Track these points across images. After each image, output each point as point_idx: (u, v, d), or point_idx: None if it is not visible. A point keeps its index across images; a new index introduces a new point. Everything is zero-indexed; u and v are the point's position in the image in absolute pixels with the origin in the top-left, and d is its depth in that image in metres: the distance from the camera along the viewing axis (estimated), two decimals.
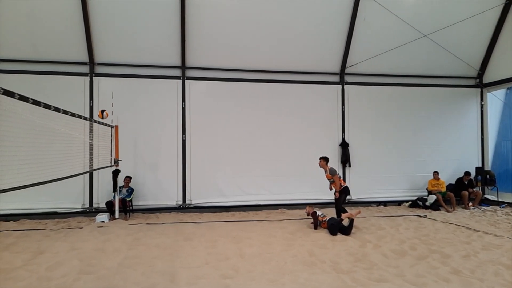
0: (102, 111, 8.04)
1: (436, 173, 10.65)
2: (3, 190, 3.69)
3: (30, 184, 4.24)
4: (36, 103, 4.02)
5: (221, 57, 10.07)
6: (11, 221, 8.51)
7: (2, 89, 3.23)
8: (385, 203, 10.85)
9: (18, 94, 3.59)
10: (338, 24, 10.03)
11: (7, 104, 3.69)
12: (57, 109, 4.67)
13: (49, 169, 5.25)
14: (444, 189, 10.50)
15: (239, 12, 9.40)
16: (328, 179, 8.14)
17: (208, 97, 10.20)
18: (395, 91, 11.20)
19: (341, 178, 8.12)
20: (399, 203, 10.92)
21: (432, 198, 10.13)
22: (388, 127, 11.09)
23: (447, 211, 9.81)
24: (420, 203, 10.36)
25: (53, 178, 5.15)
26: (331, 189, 8.21)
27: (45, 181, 4.78)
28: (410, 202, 10.69)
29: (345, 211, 7.81)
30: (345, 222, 6.96)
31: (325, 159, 8.12)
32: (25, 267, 5.09)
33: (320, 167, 8.20)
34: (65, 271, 4.92)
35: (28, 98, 3.80)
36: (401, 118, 11.19)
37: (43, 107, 4.26)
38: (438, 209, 9.91)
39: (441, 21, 9.94)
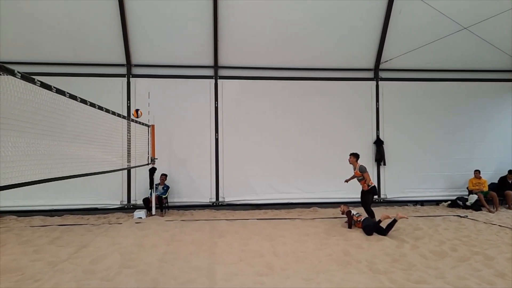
0: (137, 110, 8.28)
1: (477, 172, 10.19)
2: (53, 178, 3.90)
3: (68, 177, 4.45)
4: (83, 101, 4.23)
5: (252, 56, 10.12)
6: (56, 216, 9.01)
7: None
8: (422, 203, 10.51)
9: (68, 93, 3.80)
10: (372, 18, 9.78)
11: (58, 103, 3.92)
12: (100, 108, 4.89)
13: (91, 166, 5.51)
14: (486, 188, 10.04)
15: (270, 10, 9.38)
16: (357, 176, 7.96)
17: (240, 96, 10.29)
18: (432, 86, 10.79)
19: (369, 177, 7.90)
20: (437, 202, 10.55)
21: (473, 198, 9.72)
22: (425, 124, 10.72)
23: (490, 211, 9.36)
24: (460, 203, 9.95)
25: (92, 172, 5.39)
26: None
27: (85, 174, 5.01)
28: (449, 202, 10.29)
29: (373, 213, 7.65)
30: (383, 224, 6.78)
31: (355, 156, 7.96)
32: (70, 260, 5.38)
33: (350, 163, 8.04)
34: (107, 264, 5.16)
35: (77, 96, 4.01)
36: (439, 114, 10.78)
37: (89, 105, 4.47)
38: (480, 209, 9.48)
39: (482, 13, 9.43)
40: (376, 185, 10.30)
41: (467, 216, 8.76)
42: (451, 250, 5.77)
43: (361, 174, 7.75)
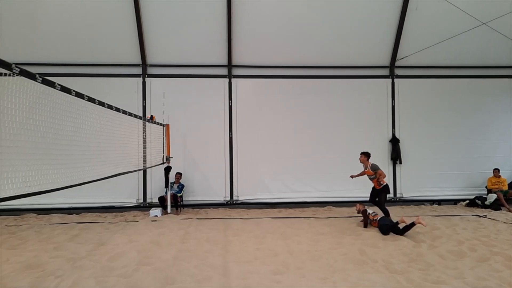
0: (151, 116, 8.29)
1: (496, 170, 9.98)
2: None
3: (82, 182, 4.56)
4: (101, 104, 4.31)
5: (266, 55, 10.11)
6: (74, 214, 9.20)
7: (74, 91, 3.50)
8: (439, 202, 10.33)
9: (87, 96, 3.88)
10: (387, 15, 9.66)
11: (78, 106, 4.01)
12: (117, 109, 4.97)
13: (109, 166, 5.61)
14: (505, 187, 9.83)
15: (283, 9, 9.35)
16: (369, 176, 7.87)
17: (254, 94, 10.30)
18: (450, 83, 10.58)
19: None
20: (454, 202, 10.35)
21: (492, 197, 9.51)
22: (442, 122, 10.53)
23: (509, 210, 9.16)
24: (479, 202, 9.75)
25: (110, 175, 5.49)
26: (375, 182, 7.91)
27: (104, 177, 5.12)
28: (467, 201, 10.09)
29: (388, 212, 7.57)
30: (401, 226, 6.68)
31: (366, 155, 7.86)
32: (89, 257, 5.49)
33: (361, 162, 7.95)
34: (125, 262, 5.25)
35: (95, 99, 4.09)
36: (457, 112, 10.57)
37: (107, 107, 4.55)
38: (499, 209, 9.27)
39: (500, 8, 9.18)
40: (392, 184, 10.25)
41: (486, 215, 8.57)
42: (470, 250, 5.67)
43: (373, 173, 7.66)
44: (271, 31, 9.72)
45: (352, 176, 8.25)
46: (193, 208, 9.81)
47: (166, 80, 10.05)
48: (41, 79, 3.13)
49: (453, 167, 10.49)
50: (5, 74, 2.77)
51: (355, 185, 9.48)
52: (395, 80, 10.49)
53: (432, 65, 10.50)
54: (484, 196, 9.90)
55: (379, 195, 7.77)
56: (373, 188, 7.95)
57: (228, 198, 10.12)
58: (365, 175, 8.03)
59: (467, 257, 5.32)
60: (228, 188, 10.16)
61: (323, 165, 10.25)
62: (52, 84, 3.37)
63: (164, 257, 5.45)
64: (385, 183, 7.72)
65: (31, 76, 3.05)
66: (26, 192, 3.19)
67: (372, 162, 7.77)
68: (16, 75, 2.86)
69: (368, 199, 8.16)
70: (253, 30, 9.70)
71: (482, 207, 9.59)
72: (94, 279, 4.56)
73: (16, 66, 2.79)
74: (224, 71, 10.23)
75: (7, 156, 3.46)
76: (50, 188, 3.64)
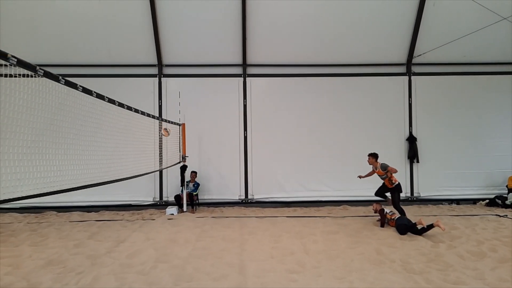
0: (166, 129, 8.22)
1: None
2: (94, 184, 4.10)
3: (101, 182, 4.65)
4: (121, 105, 4.40)
5: (281, 53, 10.09)
6: (93, 212, 9.38)
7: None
8: (458, 202, 10.13)
9: (107, 97, 3.96)
10: (404, 11, 9.51)
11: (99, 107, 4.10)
12: (136, 110, 5.06)
13: (127, 166, 5.72)
14: None
15: (298, 7, 9.30)
16: (380, 176, 7.77)
17: (269, 93, 10.30)
18: (469, 80, 10.35)
19: (392, 174, 7.69)
20: (474, 201, 10.13)
21: None
22: (461, 120, 10.30)
23: None
24: (499, 201, 9.52)
25: (128, 176, 5.59)
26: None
27: (122, 178, 5.21)
28: (487, 201, 9.86)
29: (403, 211, 7.47)
30: (418, 227, 6.58)
31: (373, 156, 7.76)
32: (108, 254, 5.61)
33: (370, 164, 7.85)
34: (143, 259, 5.34)
35: (115, 101, 4.17)
36: (476, 109, 10.32)
37: (126, 108, 4.64)
38: None
39: None
40: (409, 183, 10.12)
41: (506, 215, 8.36)
42: (490, 250, 5.55)
43: (384, 173, 7.56)
44: (285, 30, 9.69)
45: (360, 177, 8.14)
46: (209, 207, 9.88)
47: (182, 80, 10.15)
48: (64, 80, 3.21)
49: (472, 165, 10.27)
50: (31, 76, 2.86)
51: (371, 184, 9.34)
52: (412, 77, 10.32)
53: (451, 62, 10.29)
54: (504, 195, 9.67)
55: (392, 194, 7.69)
56: (383, 184, 7.85)
57: (243, 197, 10.16)
58: (375, 175, 7.93)
59: (487, 258, 5.21)
60: (243, 187, 10.20)
61: (339, 164, 10.17)
62: (74, 86, 3.46)
63: (181, 254, 5.52)
64: (397, 182, 7.63)
65: (55, 77, 3.13)
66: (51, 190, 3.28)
67: (381, 162, 7.67)
68: (40, 77, 2.94)
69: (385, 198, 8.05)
70: (268, 29, 9.69)
71: (502, 207, 9.36)
72: (114, 275, 4.65)
73: (40, 68, 2.87)
74: (239, 70, 10.26)
75: (29, 157, 3.57)
76: (70, 187, 3.73)
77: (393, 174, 7.55)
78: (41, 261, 5.26)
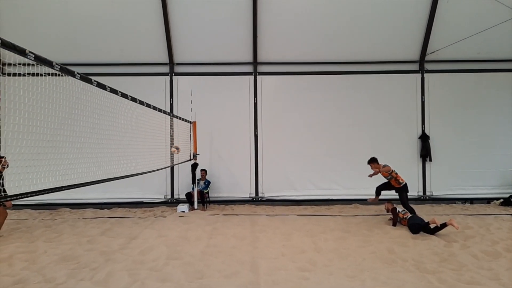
0: (177, 148, 8.14)
1: None
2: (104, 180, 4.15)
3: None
4: (133, 99, 4.46)
5: (292, 51, 10.04)
6: (106, 209, 9.52)
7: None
8: (471, 201, 9.97)
9: (120, 92, 4.03)
10: (417, 8, 9.37)
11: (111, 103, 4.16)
12: (148, 105, 5.12)
13: (139, 163, 5.77)
14: None
15: (309, 4, 9.26)
16: (385, 177, 7.70)
17: (279, 91, 10.28)
18: (484, 77, 10.15)
19: (398, 174, 7.63)
20: (488, 200, 9.96)
21: None
22: (475, 117, 10.13)
23: None
24: None
25: (140, 172, 5.65)
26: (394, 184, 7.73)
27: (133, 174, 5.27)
28: (501, 200, 9.70)
29: (413, 210, 7.41)
30: (431, 226, 6.50)
31: (373, 161, 7.72)
32: (121, 251, 5.68)
33: (372, 169, 7.79)
34: (155, 255, 5.40)
35: (127, 95, 4.23)
36: (491, 107, 10.13)
37: (139, 103, 4.70)
38: None
39: None
40: (421, 182, 10.01)
41: None
42: (505, 250, 5.46)
43: (388, 174, 7.52)
44: (296, 28, 9.65)
45: (370, 176, 8.07)
46: (219, 205, 9.92)
47: (193, 78, 10.20)
48: (79, 75, 3.27)
49: (486, 164, 10.09)
50: (48, 74, 2.92)
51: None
52: (425, 75, 10.18)
53: (465, 59, 10.11)
54: None
55: (400, 194, 7.64)
56: (388, 182, 7.79)
57: (254, 195, 10.17)
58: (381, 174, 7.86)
59: (502, 258, 5.14)
60: (254, 185, 10.21)
61: (350, 162, 10.09)
62: (89, 81, 3.52)
63: (192, 252, 5.57)
64: (404, 182, 7.58)
65: (71, 73, 3.20)
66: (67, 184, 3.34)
67: (382, 164, 7.63)
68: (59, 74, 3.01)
69: (395, 196, 7.95)
70: (278, 27, 9.66)
71: None
72: (127, 271, 4.72)
73: (56, 64, 2.94)
74: (249, 68, 10.26)
75: (47, 150, 3.64)
76: (85, 181, 3.80)
77: (399, 174, 7.55)
78: (55, 257, 5.36)
